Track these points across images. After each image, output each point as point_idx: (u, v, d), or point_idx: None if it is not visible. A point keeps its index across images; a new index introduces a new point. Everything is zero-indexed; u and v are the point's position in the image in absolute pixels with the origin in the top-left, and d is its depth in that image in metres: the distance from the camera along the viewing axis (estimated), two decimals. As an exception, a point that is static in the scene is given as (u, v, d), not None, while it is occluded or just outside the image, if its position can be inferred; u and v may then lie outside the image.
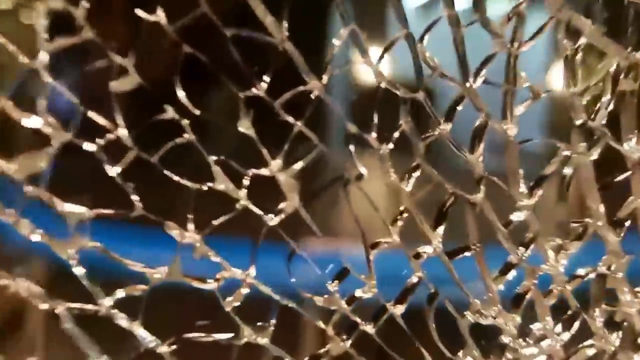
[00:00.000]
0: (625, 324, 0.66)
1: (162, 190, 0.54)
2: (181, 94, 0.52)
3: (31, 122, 0.49)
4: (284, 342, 0.60)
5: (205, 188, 0.54)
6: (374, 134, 0.56)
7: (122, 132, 0.51)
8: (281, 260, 0.58)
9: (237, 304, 0.55)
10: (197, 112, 0.52)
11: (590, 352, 0.65)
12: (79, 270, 0.53)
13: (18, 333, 0.63)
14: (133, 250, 0.56)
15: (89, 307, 0.54)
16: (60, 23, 0.50)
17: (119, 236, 0.56)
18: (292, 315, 0.59)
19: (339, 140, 0.64)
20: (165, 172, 0.53)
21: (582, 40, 0.61)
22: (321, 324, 0.58)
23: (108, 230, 0.54)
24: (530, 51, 0.61)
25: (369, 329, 0.59)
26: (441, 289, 0.60)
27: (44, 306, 0.52)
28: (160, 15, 0.51)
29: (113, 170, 0.52)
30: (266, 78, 0.54)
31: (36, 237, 0.51)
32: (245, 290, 0.56)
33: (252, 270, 0.56)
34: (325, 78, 0.54)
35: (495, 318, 0.62)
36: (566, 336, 0.64)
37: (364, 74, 0.65)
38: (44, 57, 0.49)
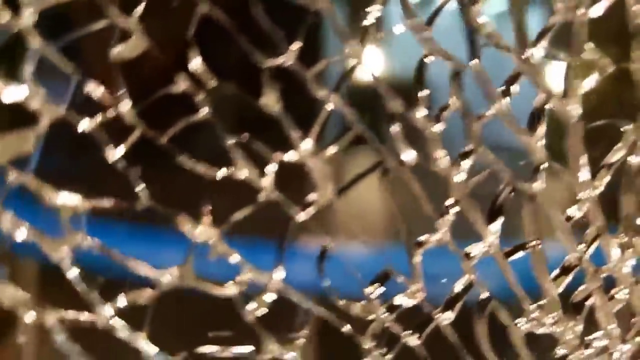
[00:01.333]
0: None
1: (171, 179, 0.46)
2: (197, 62, 0.43)
3: (13, 94, 0.40)
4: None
5: (222, 175, 0.45)
6: (424, 111, 0.47)
7: (125, 107, 0.43)
8: (304, 261, 0.50)
9: (261, 312, 0.47)
10: (215, 83, 0.43)
11: (658, 365, 0.58)
12: (72, 273, 0.44)
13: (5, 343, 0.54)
14: (137, 250, 0.47)
15: (86, 316, 0.45)
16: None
17: (121, 233, 0.47)
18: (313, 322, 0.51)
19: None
20: (177, 156, 0.44)
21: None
22: (357, 336, 0.50)
23: (107, 227, 0.46)
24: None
25: (413, 340, 0.51)
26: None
27: (31, 316, 0.43)
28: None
29: (114, 153, 0.43)
30: (295, 46, 0.45)
31: (21, 234, 0.42)
32: (270, 296, 0.47)
33: (279, 273, 0.47)
34: (367, 45, 0.46)
35: (553, 326, 0.54)
36: (634, 346, 0.56)
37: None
38: (29, 16, 0.40)
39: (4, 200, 0.42)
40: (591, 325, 0.56)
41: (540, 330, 0.55)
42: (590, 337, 0.56)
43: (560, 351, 0.56)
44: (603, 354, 0.56)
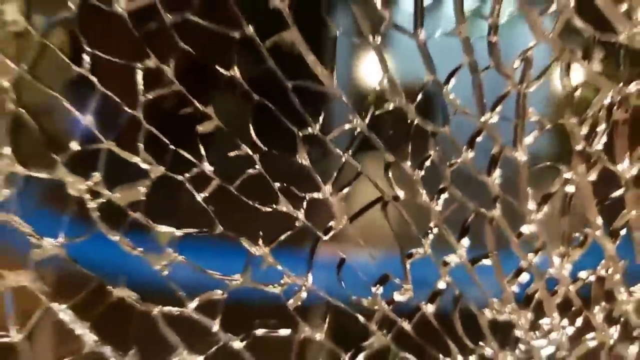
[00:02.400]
0: (622, 319, 0.77)
1: (236, 211, 0.66)
2: (254, 135, 0.64)
3: (134, 160, 0.61)
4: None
5: (270, 209, 0.66)
6: (408, 163, 0.68)
7: (207, 166, 0.63)
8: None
9: (297, 304, 0.67)
10: (265, 148, 0.64)
11: (592, 344, 0.77)
12: (170, 280, 0.64)
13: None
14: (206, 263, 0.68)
15: (178, 309, 0.66)
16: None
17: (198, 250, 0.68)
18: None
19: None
20: (242, 197, 0.65)
21: (581, 78, 0.73)
22: (363, 319, 0.70)
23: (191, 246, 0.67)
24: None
25: (406, 325, 0.71)
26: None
27: (142, 308, 0.64)
28: (236, 71, 0.62)
29: (199, 197, 0.64)
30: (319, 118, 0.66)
31: (137, 253, 0.63)
32: (304, 294, 0.67)
33: (310, 277, 0.67)
34: (367, 117, 0.66)
35: (510, 314, 0.74)
36: (571, 330, 0.76)
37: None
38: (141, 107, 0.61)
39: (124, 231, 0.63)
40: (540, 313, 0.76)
41: (501, 318, 0.74)
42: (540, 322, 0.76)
43: (516, 333, 0.75)
44: (548, 334, 0.75)
